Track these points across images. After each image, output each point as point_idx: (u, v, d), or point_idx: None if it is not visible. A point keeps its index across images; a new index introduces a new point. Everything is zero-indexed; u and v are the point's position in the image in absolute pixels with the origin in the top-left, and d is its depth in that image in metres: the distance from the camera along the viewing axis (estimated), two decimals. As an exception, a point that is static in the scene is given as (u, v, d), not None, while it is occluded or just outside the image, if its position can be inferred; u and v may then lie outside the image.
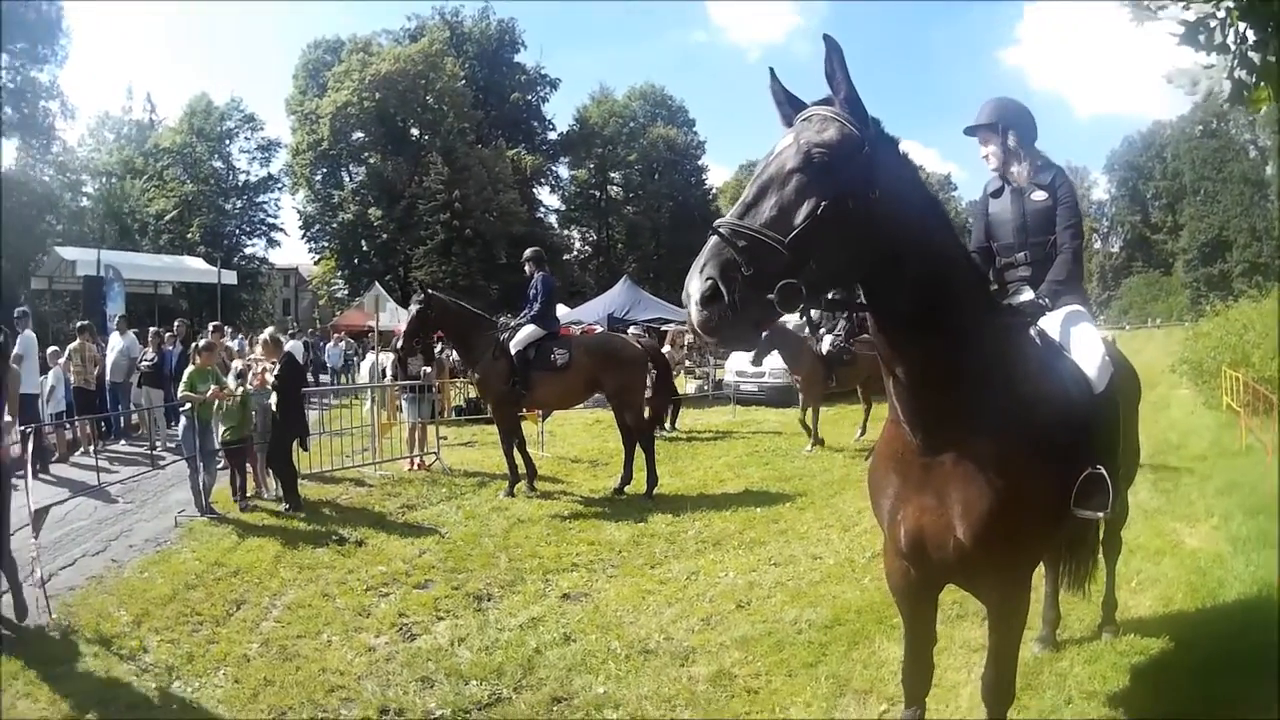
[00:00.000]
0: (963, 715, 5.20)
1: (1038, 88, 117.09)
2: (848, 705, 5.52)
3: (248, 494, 12.08)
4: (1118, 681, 5.60)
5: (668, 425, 19.59)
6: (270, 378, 12.03)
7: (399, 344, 15.62)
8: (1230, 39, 3.87)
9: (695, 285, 3.05)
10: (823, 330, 16.45)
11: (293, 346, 14.81)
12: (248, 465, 12.35)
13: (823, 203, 3.13)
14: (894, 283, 3.44)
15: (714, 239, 3.11)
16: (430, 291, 13.22)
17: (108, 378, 17.62)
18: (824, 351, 16.73)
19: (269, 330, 14.62)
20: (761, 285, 3.04)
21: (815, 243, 3.12)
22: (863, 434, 17.19)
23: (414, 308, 12.92)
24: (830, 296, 3.52)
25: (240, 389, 12.04)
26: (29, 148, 47.26)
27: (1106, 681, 5.59)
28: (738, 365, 25.00)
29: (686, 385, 26.37)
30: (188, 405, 11.58)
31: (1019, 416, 3.74)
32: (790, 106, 3.52)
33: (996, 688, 4.25)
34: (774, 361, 20.68)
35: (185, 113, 65.23)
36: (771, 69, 3.57)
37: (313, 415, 14.03)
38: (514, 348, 12.27)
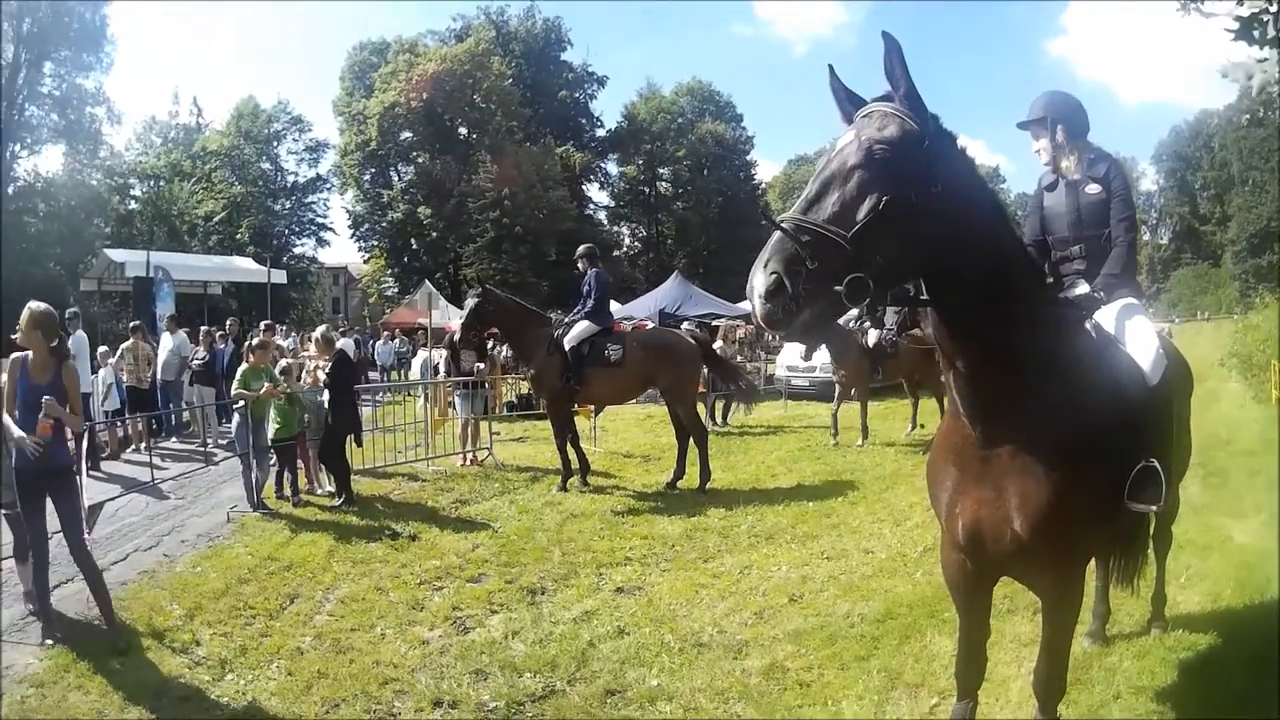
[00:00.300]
0: (1013, 709, 5.20)
1: (1084, 77, 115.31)
2: (899, 698, 5.54)
3: (299, 490, 12.23)
4: (1166, 677, 5.58)
5: (719, 420, 19.63)
6: (322, 375, 12.17)
7: (455, 337, 15.73)
8: (1285, 34, 3.87)
9: (759, 279, 3.08)
10: (866, 324, 16.38)
11: (343, 344, 14.99)
12: (299, 461, 12.53)
13: (884, 198, 3.15)
14: (956, 276, 3.47)
15: (777, 234, 3.14)
16: (487, 286, 13.36)
17: (159, 376, 17.87)
18: (869, 345, 16.69)
19: (321, 329, 14.74)
20: (826, 280, 3.07)
21: (878, 237, 3.15)
22: (913, 429, 17.12)
23: (471, 301, 13.03)
24: (893, 291, 3.54)
25: (286, 386, 12.18)
26: (76, 153, 48.13)
27: (1155, 677, 5.57)
28: (788, 360, 24.98)
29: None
30: (241, 402, 11.75)
31: (1076, 409, 3.76)
32: (850, 103, 3.54)
33: (1048, 681, 4.28)
34: (823, 356, 20.64)
35: (232, 116, 65.96)
36: (830, 66, 3.60)
37: (365, 412, 14.18)
38: (568, 344, 12.36)
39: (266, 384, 11.74)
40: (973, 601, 4.46)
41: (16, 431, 6.68)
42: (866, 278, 3.09)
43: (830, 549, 9.23)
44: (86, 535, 7.84)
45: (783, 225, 3.15)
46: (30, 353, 6.83)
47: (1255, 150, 72.31)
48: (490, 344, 18.47)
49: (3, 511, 7.69)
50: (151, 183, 58.08)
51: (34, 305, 6.95)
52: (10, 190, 44.09)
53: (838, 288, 3.06)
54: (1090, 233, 5.28)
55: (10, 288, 36.12)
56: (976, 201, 3.59)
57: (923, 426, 17.31)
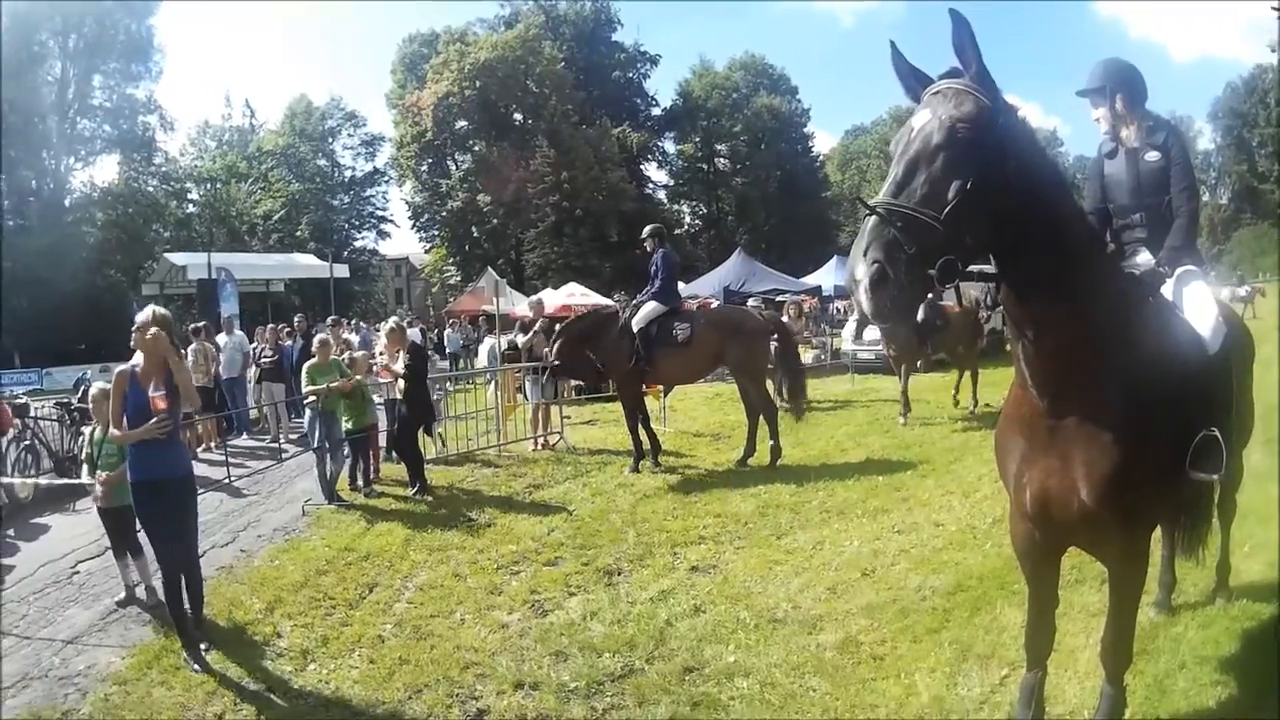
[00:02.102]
0: (1081, 679, 5.27)
1: (1135, 37, 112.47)
2: (970, 670, 5.62)
3: (370, 481, 12.43)
4: (1231, 647, 5.58)
5: (785, 395, 19.65)
6: (399, 367, 12.32)
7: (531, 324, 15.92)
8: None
9: (862, 269, 3.10)
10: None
11: (411, 334, 15.15)
12: (370, 453, 12.75)
13: (971, 177, 3.20)
14: (1027, 249, 3.53)
15: (873, 219, 3.15)
16: (554, 357, 13.40)
17: (222, 374, 17.99)
18: (919, 319, 16.47)
19: (393, 320, 14.83)
20: (922, 263, 3.11)
21: (967, 217, 3.20)
22: (973, 403, 16.94)
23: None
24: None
25: (357, 378, 12.32)
26: (130, 161, 49.12)
27: (1219, 647, 5.58)
28: (855, 334, 24.88)
29: (805, 356, 26.29)
30: (313, 398, 11.91)
31: (1139, 378, 3.80)
32: (915, 79, 3.59)
33: (1115, 650, 4.36)
34: (872, 332, 20.49)
35: (286, 115, 67.08)
36: (892, 43, 3.61)
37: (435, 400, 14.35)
38: (636, 325, 12.49)
39: (339, 378, 11.97)
40: (1042, 571, 4.51)
41: (135, 433, 6.68)
42: (956, 259, 3.17)
43: (901, 523, 9.30)
44: None
45: (878, 210, 3.17)
46: (139, 362, 6.79)
47: (1311, 104, 70.22)
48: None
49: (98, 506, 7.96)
50: (208, 185, 59.03)
51: (156, 309, 6.95)
52: (67, 202, 45.22)
53: (931, 271, 3.12)
54: (1150, 200, 5.27)
55: (73, 297, 37.09)
56: (1044, 173, 3.68)
57: (957, 403, 17.22)
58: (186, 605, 6.91)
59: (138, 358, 6.82)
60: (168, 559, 6.88)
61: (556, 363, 13.50)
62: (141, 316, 6.84)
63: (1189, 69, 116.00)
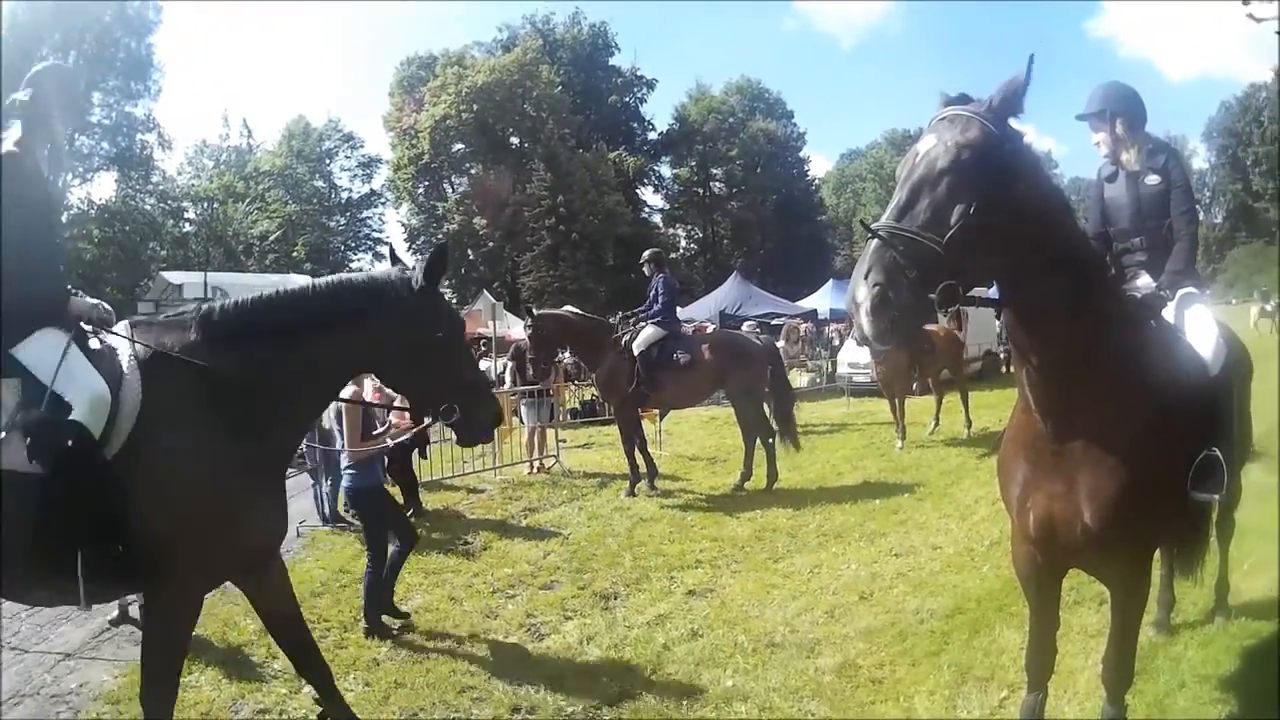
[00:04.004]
0: (1081, 700, 5.27)
1: (1127, 56, 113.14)
2: (970, 693, 5.61)
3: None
4: (1230, 666, 5.60)
5: (775, 422, 19.64)
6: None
7: (524, 348, 15.89)
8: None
9: (863, 292, 3.09)
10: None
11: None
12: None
13: (974, 202, 3.19)
14: (1032, 274, 3.53)
15: (875, 242, 3.15)
16: (536, 311, 13.50)
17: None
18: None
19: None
20: (924, 287, 3.11)
21: (971, 241, 3.19)
22: (966, 425, 17.06)
23: (527, 333, 13.24)
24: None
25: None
26: (128, 179, 49.22)
27: (1219, 666, 5.60)
28: (850, 357, 24.95)
29: (800, 379, 26.36)
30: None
31: (1142, 401, 3.83)
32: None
33: (1116, 671, 4.35)
34: (852, 355, 20.50)
35: (284, 136, 67.27)
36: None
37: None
38: (637, 348, 12.51)
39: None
40: (1043, 594, 4.51)
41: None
42: (957, 284, 3.17)
43: (898, 546, 9.30)
44: None
45: (880, 233, 3.17)
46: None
47: (1305, 123, 70.48)
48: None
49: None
50: (205, 205, 59.14)
51: None
52: (65, 219, 45.26)
53: (931, 295, 3.12)
54: (1151, 224, 5.32)
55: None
56: (1049, 198, 3.68)
57: (937, 424, 17.41)
58: None
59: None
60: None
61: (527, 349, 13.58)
62: None
63: (1183, 88, 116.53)
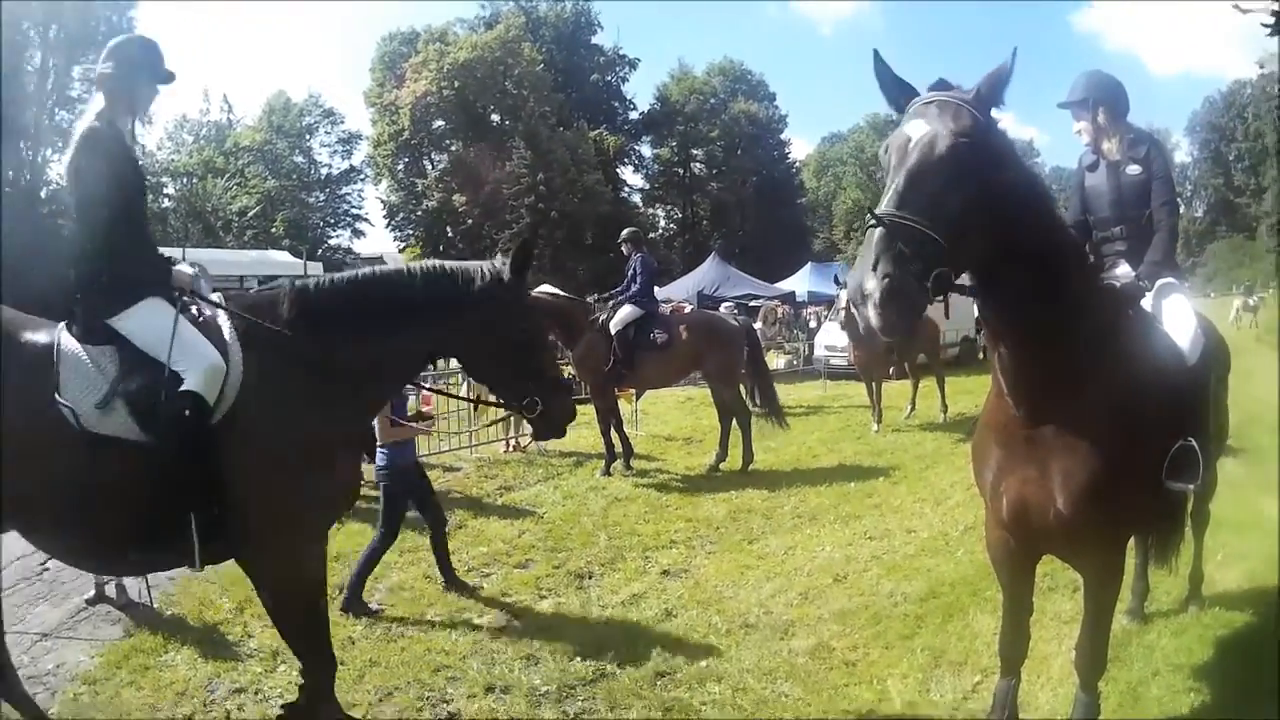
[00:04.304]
0: (1054, 685, 5.30)
1: (1112, 49, 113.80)
2: (943, 676, 5.63)
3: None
4: (1203, 655, 5.65)
5: (759, 401, 19.67)
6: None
7: None
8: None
9: (872, 284, 3.03)
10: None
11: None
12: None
13: (971, 190, 3.21)
14: (1012, 261, 3.53)
15: (880, 231, 3.09)
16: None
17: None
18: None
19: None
20: (924, 276, 3.07)
21: (967, 229, 3.21)
22: (943, 410, 17.13)
23: None
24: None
25: None
26: (108, 154, 48.65)
27: (1192, 655, 5.65)
28: (828, 340, 25.00)
29: (776, 361, 26.38)
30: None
31: (1118, 389, 3.85)
32: (898, 89, 3.58)
33: (1089, 657, 4.38)
34: (830, 339, 20.47)
35: (264, 111, 66.55)
36: (876, 52, 3.59)
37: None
38: (614, 328, 12.50)
39: None
40: (1016, 578, 4.53)
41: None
42: (950, 271, 3.17)
43: (873, 529, 9.32)
44: None
45: (885, 221, 3.11)
46: None
47: (1290, 120, 70.70)
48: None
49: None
50: (184, 180, 58.64)
51: None
52: (44, 194, 44.79)
53: (928, 283, 3.08)
54: (1131, 213, 5.33)
55: (46, 289, 36.69)
56: (1030, 185, 3.69)
57: (913, 408, 17.52)
58: None
59: None
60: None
61: None
62: None
63: (1167, 83, 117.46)
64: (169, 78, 4.97)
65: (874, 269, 3.03)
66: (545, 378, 5.21)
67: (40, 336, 4.46)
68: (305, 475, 4.51)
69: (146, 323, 4.43)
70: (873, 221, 3.12)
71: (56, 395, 4.21)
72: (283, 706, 5.15)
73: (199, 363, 4.33)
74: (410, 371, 5.41)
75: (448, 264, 5.17)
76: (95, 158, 4.53)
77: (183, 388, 4.25)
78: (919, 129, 3.33)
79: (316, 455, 4.57)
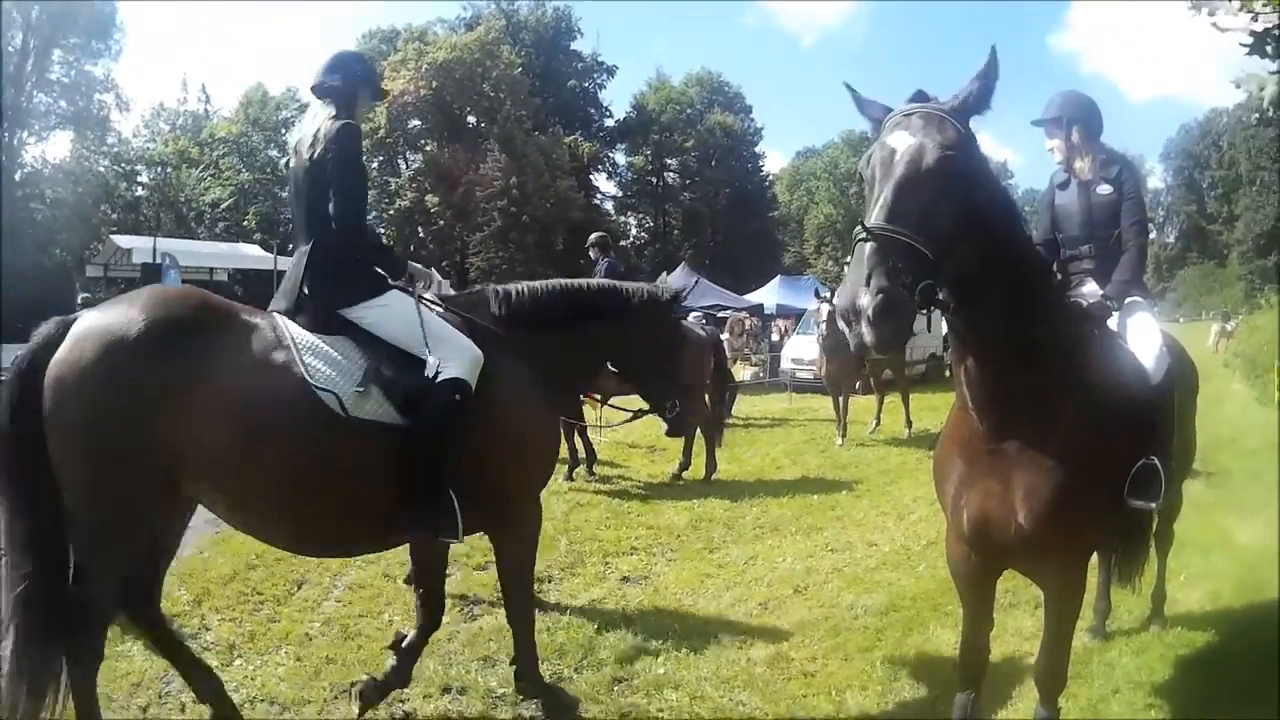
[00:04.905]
0: (1014, 701, 5.28)
1: (1089, 74, 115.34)
2: (902, 690, 5.61)
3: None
4: (1164, 674, 5.66)
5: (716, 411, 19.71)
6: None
7: None
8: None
9: (866, 299, 2.95)
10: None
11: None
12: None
13: (957, 204, 3.18)
14: (983, 275, 3.50)
15: (872, 245, 3.03)
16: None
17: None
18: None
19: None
20: (913, 290, 3.02)
21: (953, 243, 3.17)
22: (907, 425, 17.14)
23: None
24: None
25: None
26: (84, 139, 48.32)
27: (1154, 673, 5.65)
28: (794, 353, 25.06)
29: (743, 372, 26.42)
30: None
31: (1082, 406, 3.83)
32: (878, 109, 3.57)
33: (1050, 674, 4.34)
34: (796, 351, 20.50)
35: (241, 103, 65.88)
36: (847, 84, 3.66)
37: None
38: (580, 333, 12.38)
39: None
40: (976, 592, 4.49)
41: None
42: (936, 284, 3.14)
43: (835, 541, 9.31)
44: None
45: (876, 235, 3.05)
46: None
47: (1264, 150, 71.61)
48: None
49: None
50: (159, 169, 57.92)
51: None
52: (18, 176, 44.32)
53: (916, 297, 3.04)
54: (1101, 233, 5.34)
55: (18, 275, 36.31)
56: (1002, 200, 3.69)
57: (878, 423, 17.53)
58: None
59: None
60: None
61: None
62: None
63: (1143, 109, 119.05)
64: (383, 95, 5.65)
65: (867, 284, 2.97)
66: (683, 385, 6.12)
67: (260, 322, 4.61)
68: (537, 452, 5.32)
69: (392, 315, 4.78)
70: (863, 235, 3.06)
71: (309, 381, 4.39)
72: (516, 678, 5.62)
73: (461, 353, 4.74)
74: (590, 367, 6.00)
75: (621, 283, 5.95)
76: (354, 152, 4.97)
77: (447, 375, 4.59)
78: (903, 140, 3.29)
79: (543, 434, 5.36)
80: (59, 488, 4.17)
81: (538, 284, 5.61)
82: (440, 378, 4.58)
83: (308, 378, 4.38)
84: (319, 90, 5.15)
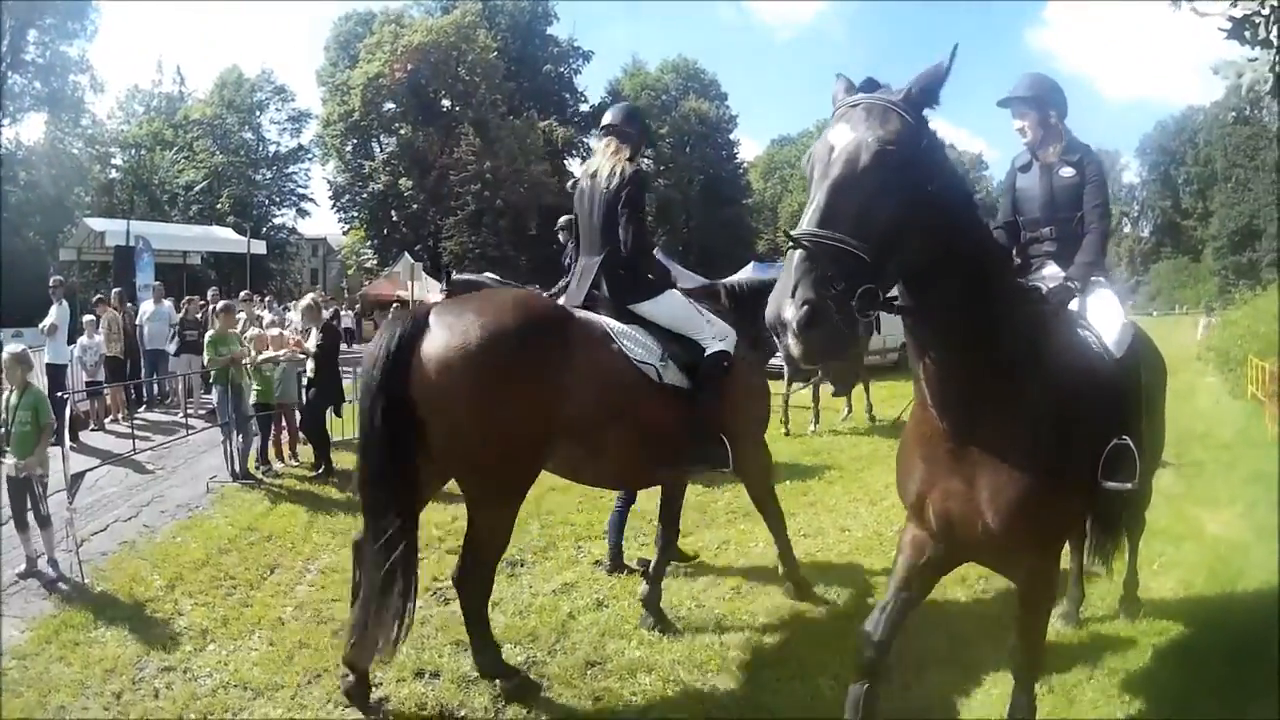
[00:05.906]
0: (987, 689, 5.30)
1: (1066, 70, 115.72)
2: (874, 675, 5.61)
3: (268, 460, 12.20)
4: (1138, 660, 5.70)
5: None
6: (311, 345, 12.11)
7: None
8: (1275, 35, 3.95)
9: (790, 312, 2.84)
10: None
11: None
12: (274, 430, 12.56)
13: (898, 203, 3.05)
14: (937, 271, 3.40)
15: (799, 253, 2.90)
16: (454, 275, 13.30)
17: (147, 345, 17.54)
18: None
19: (309, 296, 14.55)
20: (849, 297, 2.88)
21: (893, 244, 3.05)
22: (868, 411, 17.10)
23: (443, 294, 13.05)
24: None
25: (249, 355, 12.13)
26: (58, 121, 47.79)
27: (1127, 660, 5.70)
28: (767, 339, 24.98)
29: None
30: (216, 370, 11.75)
31: (1044, 397, 3.77)
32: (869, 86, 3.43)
33: (1025, 662, 4.35)
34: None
35: (216, 85, 65.26)
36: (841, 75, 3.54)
37: (345, 383, 14.08)
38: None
39: (233, 350, 11.80)
40: (919, 578, 4.33)
41: None
42: (877, 288, 2.98)
43: (807, 527, 9.32)
44: (68, 505, 8.27)
45: (804, 243, 2.92)
46: None
47: (1240, 147, 72.16)
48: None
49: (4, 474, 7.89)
50: (133, 151, 57.44)
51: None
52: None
53: (854, 304, 2.89)
54: (1062, 215, 5.31)
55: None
56: (959, 194, 3.59)
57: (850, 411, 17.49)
58: None
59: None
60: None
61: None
62: None
63: (1118, 106, 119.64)
64: (655, 143, 6.94)
65: (792, 295, 2.85)
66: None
67: (588, 318, 5.77)
68: (763, 404, 6.97)
69: (669, 308, 6.08)
70: (790, 243, 2.95)
71: (631, 358, 5.65)
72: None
73: (722, 332, 6.17)
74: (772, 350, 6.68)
75: None
76: (644, 191, 6.21)
77: (715, 349, 6.00)
78: (843, 136, 3.18)
79: (764, 391, 6.98)
80: (414, 453, 5.08)
81: (739, 280, 7.29)
82: (709, 351, 5.97)
83: (631, 356, 5.65)
84: (618, 134, 6.32)
